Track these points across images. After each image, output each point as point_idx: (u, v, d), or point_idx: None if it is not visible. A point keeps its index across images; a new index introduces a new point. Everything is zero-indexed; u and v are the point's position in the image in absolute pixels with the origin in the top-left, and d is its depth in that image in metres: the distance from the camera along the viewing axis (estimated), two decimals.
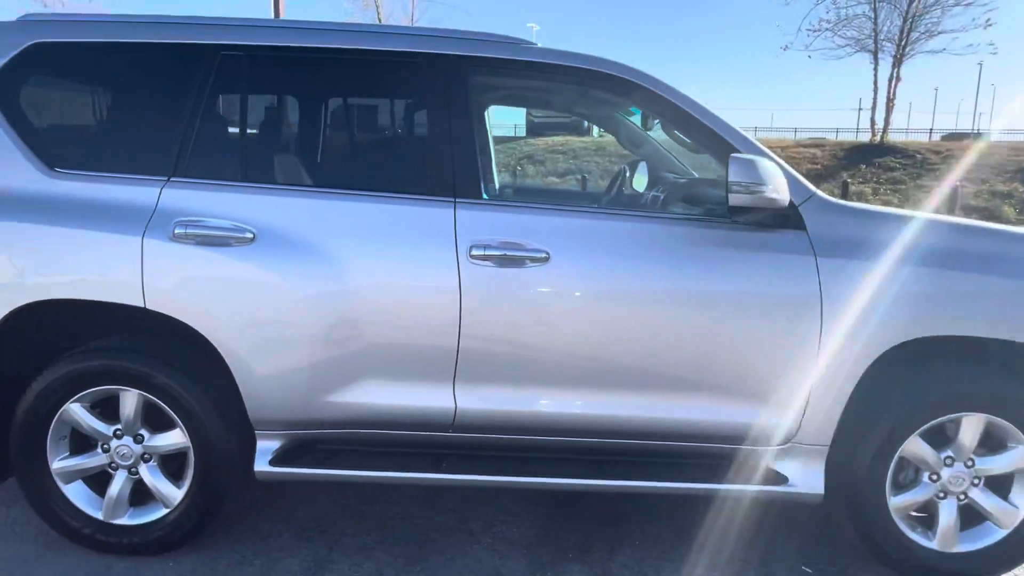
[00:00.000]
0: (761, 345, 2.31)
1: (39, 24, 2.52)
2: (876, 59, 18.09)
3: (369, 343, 2.34)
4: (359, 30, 2.44)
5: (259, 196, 2.35)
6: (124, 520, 2.49)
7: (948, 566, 2.44)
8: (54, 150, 2.42)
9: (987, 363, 2.41)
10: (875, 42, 17.95)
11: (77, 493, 2.49)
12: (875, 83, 18.22)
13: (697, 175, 2.96)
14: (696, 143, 2.48)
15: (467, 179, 2.37)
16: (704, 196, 2.44)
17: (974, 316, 2.31)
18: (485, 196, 2.41)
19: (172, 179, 2.37)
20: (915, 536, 2.46)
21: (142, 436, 2.46)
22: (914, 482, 2.47)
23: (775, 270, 2.30)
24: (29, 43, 2.46)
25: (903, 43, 17.50)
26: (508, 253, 2.30)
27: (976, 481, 2.42)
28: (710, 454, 2.47)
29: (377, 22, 20.14)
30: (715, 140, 2.40)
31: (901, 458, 2.41)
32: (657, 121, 2.84)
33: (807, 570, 2.55)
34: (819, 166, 14.15)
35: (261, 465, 2.44)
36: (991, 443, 2.44)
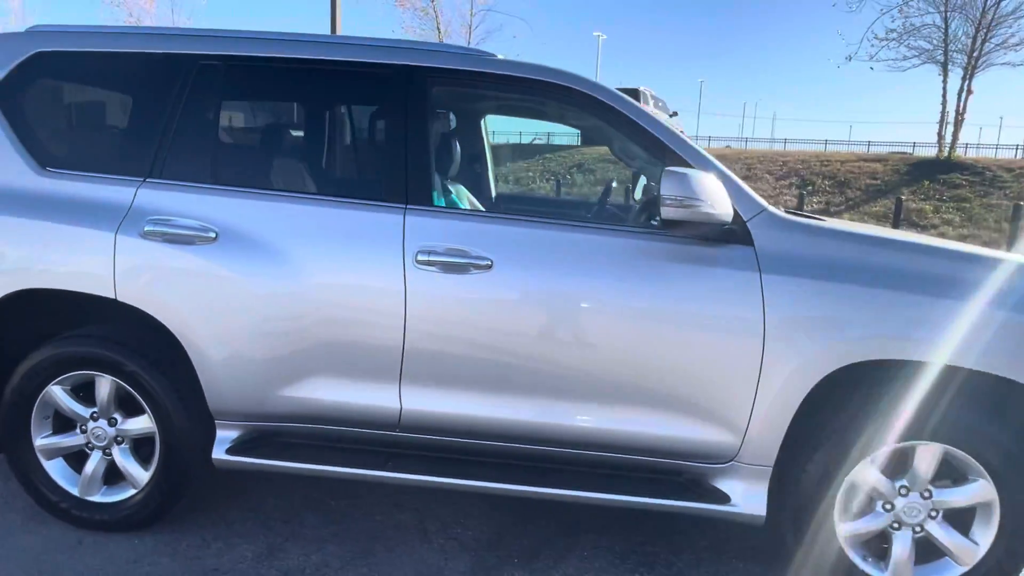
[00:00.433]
0: (700, 360, 2.29)
1: (43, 34, 2.73)
2: (945, 71, 17.24)
3: (320, 341, 2.43)
4: (324, 41, 2.55)
5: (223, 198, 2.48)
6: (97, 497, 2.66)
7: None
8: (47, 150, 2.62)
9: (945, 390, 2.31)
10: (944, 53, 17.11)
11: (57, 470, 2.68)
12: (943, 96, 17.35)
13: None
14: (649, 156, 2.47)
15: (420, 186, 2.44)
16: (655, 209, 2.44)
17: (925, 341, 2.22)
18: (440, 203, 2.47)
19: (148, 180, 2.53)
20: (865, 566, 2.37)
21: (115, 420, 2.62)
22: (867, 510, 2.39)
23: (716, 285, 2.28)
24: (32, 51, 2.68)
25: (975, 54, 16.62)
26: (453, 260, 2.35)
27: (934, 513, 2.33)
28: (652, 468, 2.46)
29: (436, 31, 20.53)
30: (666, 153, 2.40)
31: (853, 484, 2.34)
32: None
33: None
34: (879, 182, 13.60)
35: (218, 453, 2.56)
36: (955, 474, 2.34)
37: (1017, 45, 17.24)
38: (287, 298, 2.41)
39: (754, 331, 2.25)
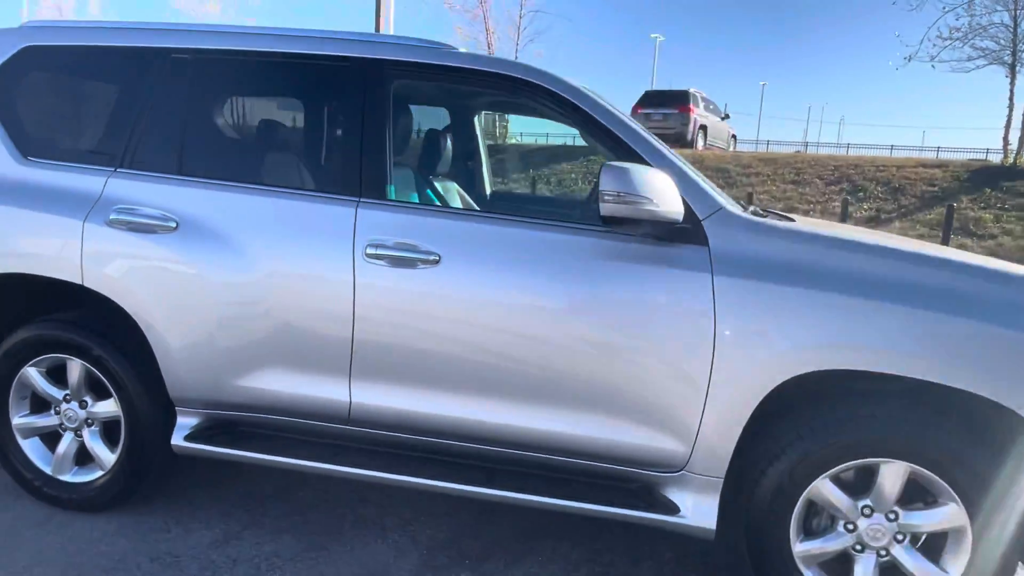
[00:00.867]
0: (646, 363, 2.20)
1: (34, 29, 2.83)
2: (1013, 72, 16.22)
3: (273, 333, 2.44)
4: (284, 34, 2.57)
5: (185, 188, 2.52)
6: (67, 477, 2.74)
7: None
8: (30, 140, 2.71)
9: (912, 405, 2.16)
10: (1013, 53, 16.11)
11: (33, 448, 2.77)
12: (1011, 98, 16.33)
13: None
14: (606, 151, 2.39)
15: (374, 180, 2.42)
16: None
17: (890, 351, 2.08)
18: (392, 197, 2.45)
19: (118, 170, 2.60)
20: None
21: (86, 403, 2.70)
22: (828, 529, 2.26)
23: (664, 286, 2.18)
24: (22, 45, 2.79)
25: None
26: (401, 254, 2.33)
27: (900, 537, 2.18)
28: (603, 474, 2.38)
29: (485, 32, 20.63)
30: (621, 148, 2.32)
31: (810, 501, 2.21)
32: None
33: None
34: (936, 188, 12.94)
35: (176, 440, 2.60)
36: (926, 496, 2.19)
37: None
38: (241, 288, 2.44)
39: (703, 335, 2.15)
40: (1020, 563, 2.44)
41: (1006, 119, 16.54)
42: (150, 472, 2.70)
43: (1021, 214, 11.72)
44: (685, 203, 2.21)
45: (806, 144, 44.17)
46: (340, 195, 2.42)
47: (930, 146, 42.27)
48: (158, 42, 2.63)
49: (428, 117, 3.76)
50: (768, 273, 2.15)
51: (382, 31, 12.63)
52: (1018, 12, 16.07)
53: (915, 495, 2.18)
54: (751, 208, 2.68)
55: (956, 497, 2.10)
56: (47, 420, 2.75)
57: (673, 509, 2.28)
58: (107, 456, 2.70)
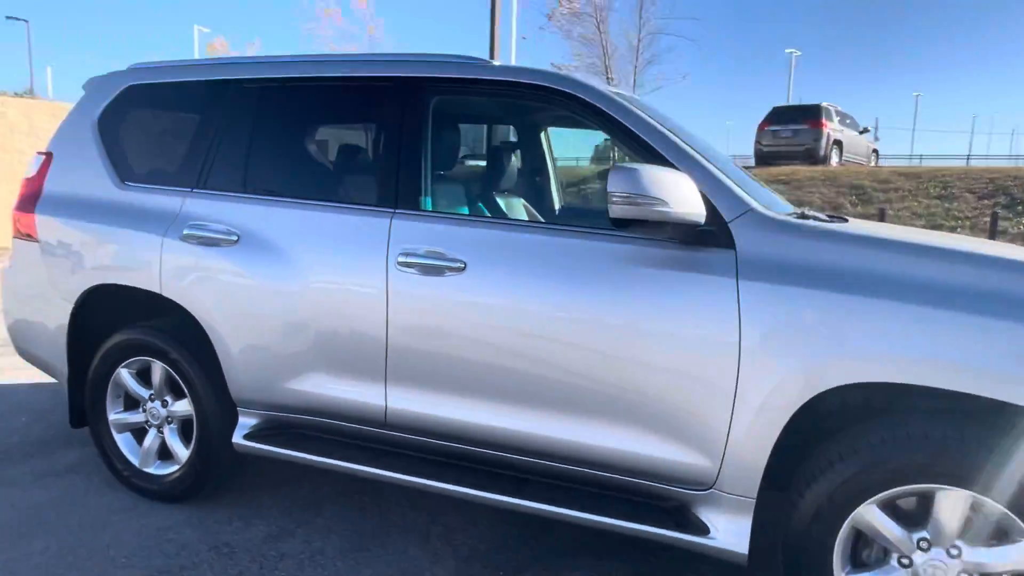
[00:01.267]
0: (669, 372, 2.10)
1: (135, 71, 3.21)
2: None
3: (316, 338, 2.58)
4: (328, 60, 2.74)
5: (245, 204, 2.73)
6: (151, 469, 3.02)
7: None
8: (128, 167, 3.06)
9: (974, 426, 1.89)
10: None
11: (125, 442, 3.09)
12: None
13: None
14: (635, 156, 2.32)
15: (409, 192, 2.51)
16: None
17: (948, 365, 1.85)
18: (428, 208, 2.52)
19: (195, 190, 2.87)
20: None
21: (167, 402, 2.97)
22: (881, 563, 2.02)
23: (687, 291, 2.08)
24: (126, 85, 3.17)
25: None
26: (430, 262, 2.39)
27: None
28: (634, 490, 2.28)
29: (603, 54, 20.68)
30: (650, 152, 2.25)
31: (855, 529, 1.99)
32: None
33: None
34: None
35: (237, 438, 2.80)
36: (998, 531, 1.91)
37: None
38: (289, 296, 2.60)
39: (728, 343, 2.02)
40: None
41: None
42: (218, 468, 2.91)
43: None
44: (711, 205, 2.11)
45: (968, 157, 40.24)
46: (377, 207, 2.53)
47: None
48: (226, 74, 2.90)
49: (496, 135, 3.84)
50: (800, 277, 1.99)
51: (497, 58, 13.04)
52: None
53: (984, 528, 1.91)
54: (800, 211, 2.50)
55: None
56: (136, 417, 3.05)
57: (703, 530, 2.15)
58: (182, 452, 2.94)
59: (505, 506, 2.35)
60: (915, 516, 1.97)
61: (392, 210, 2.50)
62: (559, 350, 2.23)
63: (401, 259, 2.42)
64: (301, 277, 2.58)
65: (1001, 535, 1.88)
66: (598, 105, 2.34)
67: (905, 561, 1.96)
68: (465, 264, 2.34)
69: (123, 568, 2.50)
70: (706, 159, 2.23)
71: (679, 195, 2.01)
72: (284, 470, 3.22)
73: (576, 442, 2.25)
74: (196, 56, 31.82)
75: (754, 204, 2.14)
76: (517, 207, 3.41)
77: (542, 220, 3.38)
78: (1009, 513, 1.82)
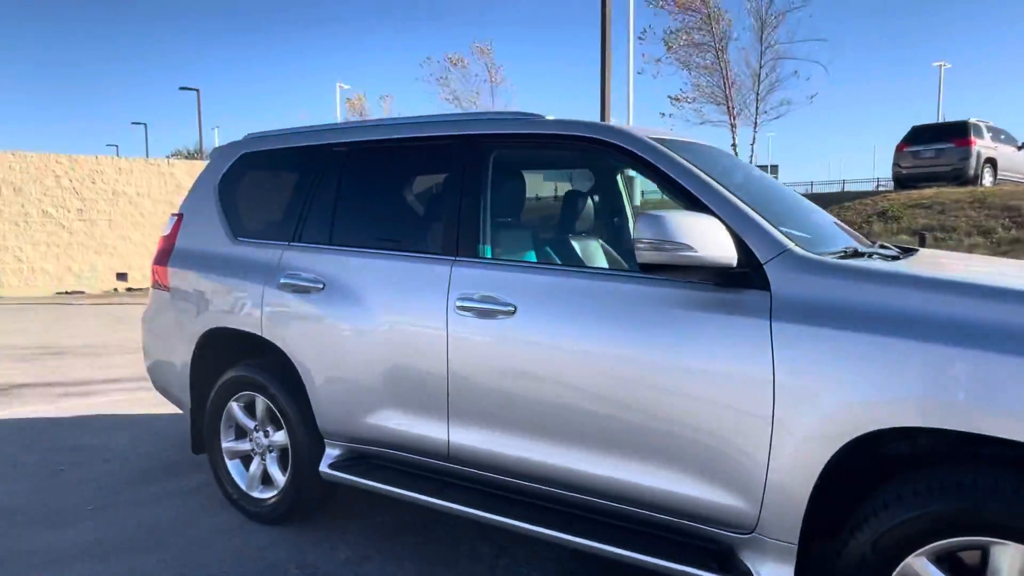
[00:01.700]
0: (707, 415, 2.11)
1: (249, 140, 3.68)
2: None
3: (388, 376, 2.81)
4: (400, 123, 3.03)
5: (330, 255, 3.05)
6: (255, 493, 3.37)
7: None
8: (240, 225, 3.50)
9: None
10: None
11: (235, 468, 3.46)
12: None
13: None
14: (674, 199, 2.37)
15: (469, 240, 2.70)
16: None
17: (994, 409, 1.74)
18: (487, 255, 2.70)
19: (291, 243, 3.23)
20: None
21: (268, 432, 3.32)
22: None
23: (721, 333, 2.09)
24: (240, 153, 3.64)
25: None
26: (484, 306, 2.55)
27: None
28: (679, 530, 2.29)
29: (723, 83, 20.25)
30: (687, 197, 2.31)
31: None
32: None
33: None
34: None
35: (323, 467, 3.07)
36: None
37: None
38: (365, 336, 2.85)
39: (762, 385, 2.02)
40: None
41: None
42: (309, 494, 3.20)
43: None
44: (745, 247, 2.13)
45: None
46: (441, 255, 2.74)
47: None
48: (317, 140, 3.27)
49: (580, 181, 3.98)
50: (834, 318, 1.96)
51: (609, 95, 13.18)
52: None
53: None
54: (862, 247, 2.43)
55: None
56: (244, 445, 3.42)
57: (746, 574, 2.12)
58: (280, 478, 3.27)
59: (554, 540, 2.43)
60: (967, 568, 1.85)
61: (453, 258, 2.71)
62: (598, 390, 2.30)
63: (459, 303, 2.61)
64: (374, 319, 2.83)
65: None
66: (636, 152, 2.43)
67: None
68: (515, 308, 2.49)
69: None
70: (743, 201, 2.25)
71: (706, 239, 2.05)
72: (371, 499, 3.46)
73: (618, 479, 2.30)
74: (337, 110, 34.55)
75: (790, 245, 2.13)
76: (594, 249, 3.51)
77: (621, 262, 3.47)
78: None
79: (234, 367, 3.39)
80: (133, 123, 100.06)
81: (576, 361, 2.36)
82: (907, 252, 2.72)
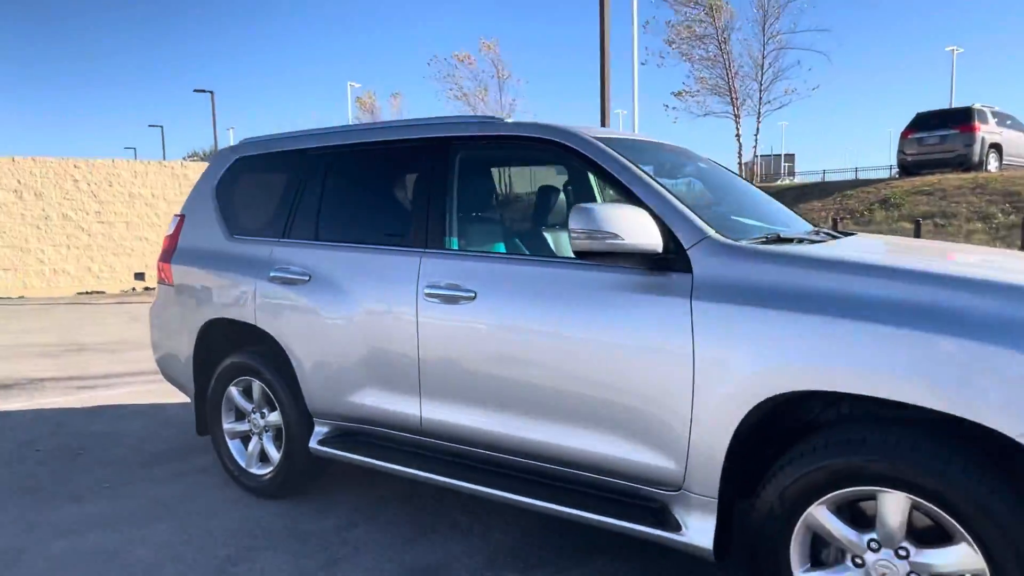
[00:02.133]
0: (639, 385, 2.36)
1: (244, 144, 3.98)
2: None
3: (366, 358, 3.09)
4: (372, 127, 3.31)
5: (315, 250, 3.33)
6: (254, 470, 3.67)
7: None
8: (236, 224, 3.79)
9: (917, 433, 1.99)
10: None
11: (235, 447, 3.77)
12: None
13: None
14: (615, 193, 2.61)
15: (436, 234, 2.97)
16: None
17: (880, 373, 1.98)
18: (453, 247, 2.97)
19: (281, 239, 3.52)
20: None
21: (264, 414, 3.62)
22: (838, 562, 2.15)
23: (650, 311, 2.34)
24: (236, 157, 3.94)
25: None
26: (449, 292, 2.82)
27: None
28: (621, 491, 2.55)
29: (726, 74, 20.33)
30: (622, 190, 2.56)
31: (809, 529, 2.15)
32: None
33: None
34: None
35: (312, 443, 3.36)
36: (944, 533, 1.99)
37: None
38: (345, 323, 3.14)
39: (684, 357, 2.27)
40: None
41: None
42: (301, 469, 3.49)
43: None
44: (671, 234, 2.38)
45: None
46: (411, 247, 3.02)
47: None
48: (303, 144, 3.56)
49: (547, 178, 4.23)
50: (744, 296, 2.20)
51: (608, 88, 13.35)
52: None
53: (934, 531, 2.00)
54: (788, 233, 2.68)
55: (968, 537, 1.90)
56: (243, 426, 3.73)
57: (676, 527, 2.37)
58: (275, 455, 3.57)
59: (514, 503, 2.69)
60: (864, 516, 2.09)
61: (423, 250, 2.98)
62: (546, 366, 2.57)
63: (427, 291, 2.88)
64: (354, 307, 3.12)
65: (945, 537, 1.97)
66: (579, 150, 2.69)
67: (858, 561, 2.09)
68: (476, 294, 2.76)
69: (221, 546, 3.12)
70: (672, 194, 2.50)
71: (633, 228, 2.31)
72: (361, 474, 3.75)
73: (566, 446, 2.57)
74: (349, 110, 34.92)
75: (710, 232, 2.37)
76: (563, 240, 3.76)
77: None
78: (946, 515, 1.92)
79: (232, 355, 3.69)
80: (150, 125, 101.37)
81: (527, 340, 2.62)
82: (841, 237, 2.95)
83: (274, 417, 3.56)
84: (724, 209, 3.32)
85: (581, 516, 2.54)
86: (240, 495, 3.67)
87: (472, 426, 2.82)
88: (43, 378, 6.68)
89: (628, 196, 2.53)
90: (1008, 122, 17.58)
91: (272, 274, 3.43)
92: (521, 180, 3.94)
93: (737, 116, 20.51)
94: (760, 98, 20.43)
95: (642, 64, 20.18)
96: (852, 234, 3.15)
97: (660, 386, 2.33)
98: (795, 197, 17.05)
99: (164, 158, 34.54)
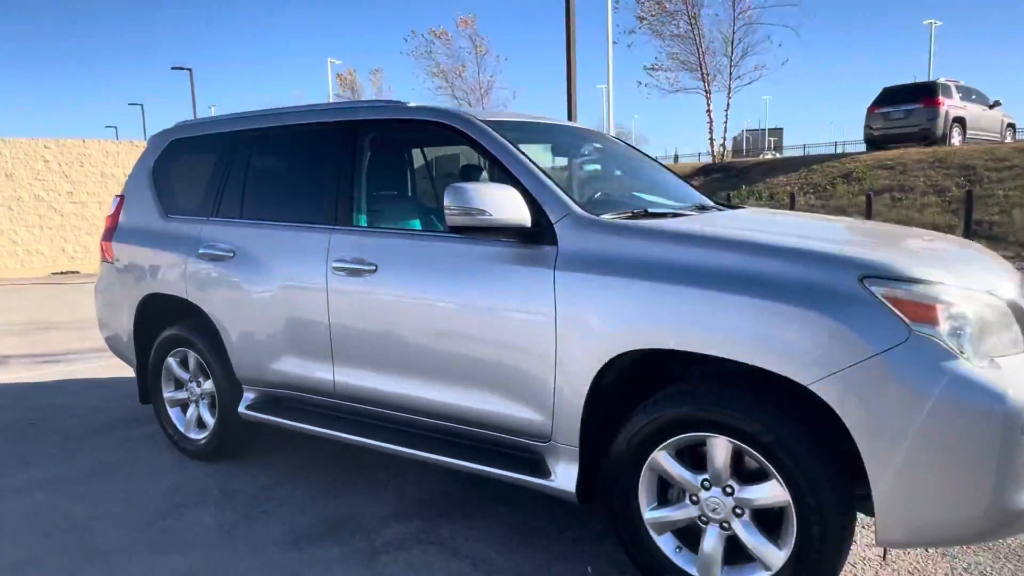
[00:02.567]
0: (513, 346, 2.62)
1: (180, 127, 4.17)
2: None
3: (284, 327, 3.33)
4: (287, 111, 3.53)
5: (239, 228, 3.55)
6: (192, 435, 3.92)
7: None
8: (170, 203, 4.00)
9: (733, 384, 2.27)
10: None
11: (175, 415, 4.02)
12: None
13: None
14: (497, 174, 2.85)
15: (345, 211, 3.20)
16: None
17: (694, 331, 2.25)
18: (361, 224, 3.20)
19: (210, 219, 3.73)
20: (675, 557, 2.42)
21: (200, 382, 3.87)
22: (679, 501, 2.44)
23: (518, 280, 2.59)
24: (171, 139, 4.13)
25: None
26: (353, 266, 3.06)
27: (739, 511, 2.29)
28: (503, 443, 2.81)
29: (696, 50, 20.40)
30: (502, 169, 2.79)
31: (654, 471, 2.42)
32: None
33: (589, 571, 2.68)
34: None
35: (241, 408, 3.61)
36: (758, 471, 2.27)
37: None
38: (265, 295, 3.37)
39: (547, 321, 2.52)
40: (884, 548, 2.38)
41: None
42: (234, 432, 3.75)
43: None
44: (540, 210, 2.62)
45: None
46: (322, 224, 3.24)
47: None
48: (229, 127, 3.76)
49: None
50: (599, 265, 2.46)
51: (574, 66, 13.49)
52: None
53: (754, 472, 2.28)
54: (657, 208, 2.93)
55: (776, 474, 2.18)
56: (181, 394, 3.98)
57: (547, 475, 2.65)
58: (210, 420, 3.82)
59: (418, 459, 2.95)
60: (699, 459, 2.37)
61: (332, 227, 3.21)
62: (433, 330, 2.82)
63: (335, 264, 3.12)
64: (273, 281, 3.35)
65: (761, 476, 2.25)
66: (466, 132, 2.92)
67: (694, 499, 2.37)
68: (376, 267, 2.99)
69: (154, 501, 3.38)
70: (543, 172, 2.74)
71: (502, 205, 2.55)
72: (294, 438, 4.01)
73: (453, 403, 2.83)
74: (329, 86, 34.70)
75: (574, 208, 2.61)
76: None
77: None
78: (759, 456, 2.20)
79: (169, 328, 3.92)
80: (130, 104, 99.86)
81: (420, 308, 2.87)
82: (725, 210, 3.20)
83: (208, 385, 3.81)
84: (620, 185, 3.57)
85: (472, 468, 2.81)
86: (179, 459, 3.92)
87: (378, 388, 3.08)
88: (9, 355, 6.88)
89: (505, 174, 2.77)
90: (973, 96, 17.86)
91: (201, 251, 3.65)
92: (431, 160, 4.16)
93: (708, 92, 20.69)
94: (731, 74, 20.61)
95: (615, 43, 20.24)
96: (740, 207, 3.40)
97: (530, 347, 2.58)
98: (764, 172, 17.31)
99: (145, 137, 34.28)
